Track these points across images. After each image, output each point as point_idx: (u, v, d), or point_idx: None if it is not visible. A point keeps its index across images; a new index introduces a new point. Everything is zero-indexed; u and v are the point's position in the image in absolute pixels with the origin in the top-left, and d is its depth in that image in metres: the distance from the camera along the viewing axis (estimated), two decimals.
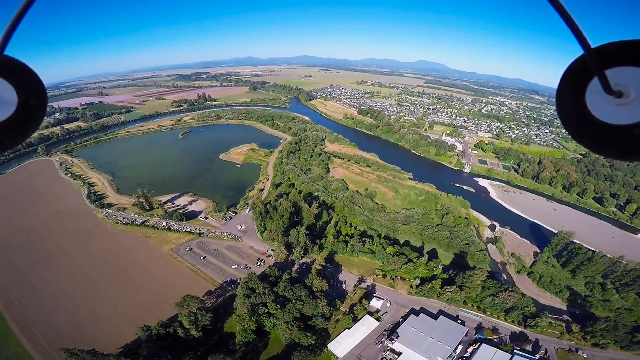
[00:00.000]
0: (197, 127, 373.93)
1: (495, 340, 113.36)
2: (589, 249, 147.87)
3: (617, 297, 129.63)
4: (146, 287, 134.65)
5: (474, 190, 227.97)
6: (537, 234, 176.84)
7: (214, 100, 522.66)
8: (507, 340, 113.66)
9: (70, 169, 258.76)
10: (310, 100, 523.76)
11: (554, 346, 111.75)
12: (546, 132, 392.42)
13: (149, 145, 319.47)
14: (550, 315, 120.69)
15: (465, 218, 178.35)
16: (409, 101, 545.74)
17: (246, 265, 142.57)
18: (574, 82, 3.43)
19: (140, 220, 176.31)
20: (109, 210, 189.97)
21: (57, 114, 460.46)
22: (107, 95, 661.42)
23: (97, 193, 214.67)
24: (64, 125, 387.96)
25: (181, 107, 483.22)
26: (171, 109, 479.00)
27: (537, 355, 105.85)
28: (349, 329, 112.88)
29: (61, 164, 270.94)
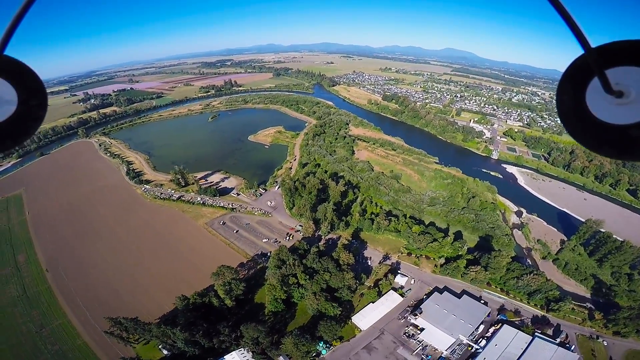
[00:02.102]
0: (225, 111, 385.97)
1: (517, 322, 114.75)
2: (618, 239, 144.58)
3: None
4: (182, 258, 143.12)
5: (501, 177, 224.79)
6: (565, 223, 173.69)
7: (240, 86, 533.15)
8: (529, 323, 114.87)
9: (109, 149, 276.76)
10: (333, 86, 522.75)
11: (574, 332, 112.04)
12: None
13: (180, 127, 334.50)
14: (573, 301, 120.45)
15: (492, 203, 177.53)
16: (436, 88, 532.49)
17: (276, 239, 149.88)
18: (574, 81, 3.48)
19: (177, 196, 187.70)
20: (147, 186, 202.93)
21: (93, 100, 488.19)
22: (137, 82, 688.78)
23: (135, 170, 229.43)
24: (99, 110, 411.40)
25: (209, 93, 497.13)
26: (199, 95, 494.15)
27: (558, 340, 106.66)
28: (373, 302, 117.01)
29: (100, 145, 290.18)
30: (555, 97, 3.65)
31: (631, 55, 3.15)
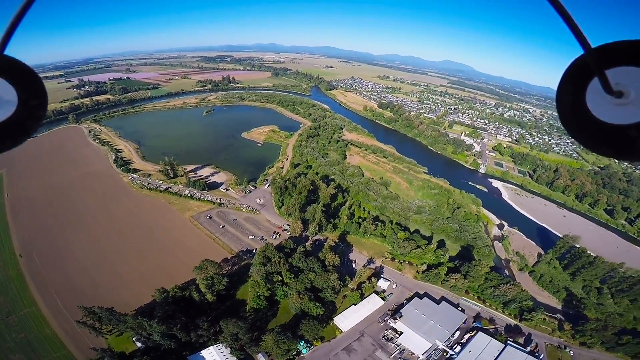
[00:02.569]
0: (220, 107, 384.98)
1: (491, 330, 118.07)
2: (592, 254, 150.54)
3: (611, 302, 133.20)
4: (166, 251, 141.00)
5: (486, 190, 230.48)
6: (543, 237, 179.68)
7: (238, 83, 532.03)
8: (502, 331, 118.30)
9: (98, 136, 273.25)
10: (331, 89, 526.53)
11: (544, 341, 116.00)
12: (567, 142, 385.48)
13: (174, 119, 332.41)
14: (545, 312, 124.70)
15: (476, 215, 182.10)
16: (431, 99, 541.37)
17: (262, 237, 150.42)
18: (574, 81, 3.49)
19: (164, 187, 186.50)
20: (134, 175, 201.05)
21: (87, 87, 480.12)
22: (135, 72, 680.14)
23: (124, 159, 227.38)
24: (93, 97, 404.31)
25: (206, 87, 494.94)
26: (196, 88, 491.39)
27: (528, 348, 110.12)
28: (355, 305, 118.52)
29: (90, 131, 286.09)
30: (555, 97, 3.71)
31: (631, 55, 3.16)
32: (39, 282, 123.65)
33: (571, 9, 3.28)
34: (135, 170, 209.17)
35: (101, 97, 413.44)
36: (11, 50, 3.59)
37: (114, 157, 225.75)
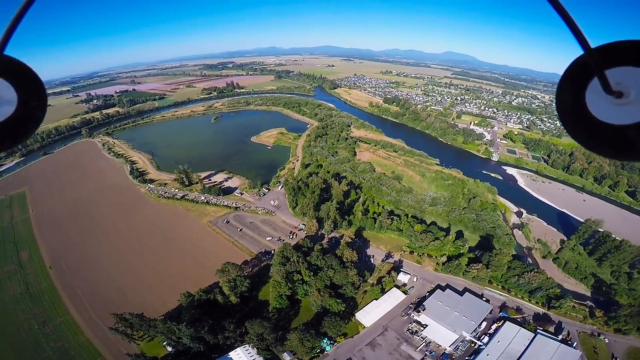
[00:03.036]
0: (227, 113, 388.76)
1: (519, 319, 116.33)
2: (617, 238, 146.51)
3: None
4: (187, 256, 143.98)
5: (501, 178, 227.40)
6: (564, 223, 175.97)
7: (242, 88, 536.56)
8: (531, 320, 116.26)
9: (112, 149, 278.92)
10: (335, 88, 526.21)
11: (576, 329, 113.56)
12: None
13: (183, 128, 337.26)
14: (574, 300, 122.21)
15: (492, 203, 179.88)
16: (436, 91, 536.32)
17: (279, 237, 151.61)
18: (574, 81, 3.49)
19: (181, 195, 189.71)
20: (151, 186, 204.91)
21: (95, 101, 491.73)
22: (140, 83, 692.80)
23: (139, 170, 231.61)
24: (102, 111, 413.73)
25: (211, 94, 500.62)
26: (201, 96, 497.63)
27: (560, 337, 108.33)
28: (376, 299, 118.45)
29: (104, 145, 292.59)
30: (554, 97, 3.74)
31: (631, 55, 3.16)
32: (69, 291, 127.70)
33: (571, 9, 3.25)
34: (151, 181, 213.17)
35: (110, 110, 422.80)
36: (12, 51, 3.58)
37: (129, 169, 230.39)
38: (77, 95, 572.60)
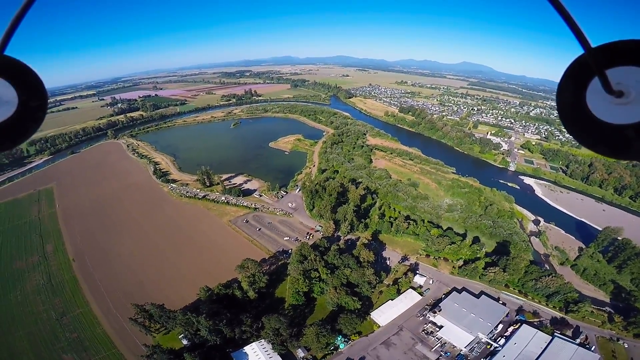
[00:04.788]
0: (246, 119, 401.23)
1: (535, 323, 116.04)
2: (638, 246, 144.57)
3: None
4: (206, 252, 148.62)
5: (518, 188, 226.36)
6: (583, 231, 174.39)
7: (260, 96, 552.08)
8: (548, 324, 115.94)
9: (136, 150, 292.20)
10: (350, 98, 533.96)
11: (594, 334, 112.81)
12: None
13: (204, 133, 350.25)
14: (592, 305, 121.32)
15: (509, 211, 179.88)
16: (452, 101, 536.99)
17: (297, 238, 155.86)
18: (575, 80, 3.49)
19: (202, 195, 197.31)
20: (173, 185, 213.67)
21: (120, 104, 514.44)
22: (162, 89, 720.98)
23: (162, 170, 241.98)
24: (127, 114, 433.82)
25: (230, 101, 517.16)
26: (221, 103, 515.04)
27: (578, 340, 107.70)
28: (392, 300, 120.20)
29: (128, 146, 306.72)
30: (555, 96, 3.76)
31: (631, 55, 3.16)
32: (91, 283, 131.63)
33: (571, 9, 3.31)
34: (173, 181, 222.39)
35: (134, 114, 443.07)
36: (15, 52, 3.66)
37: (152, 169, 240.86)
38: (103, 99, 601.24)
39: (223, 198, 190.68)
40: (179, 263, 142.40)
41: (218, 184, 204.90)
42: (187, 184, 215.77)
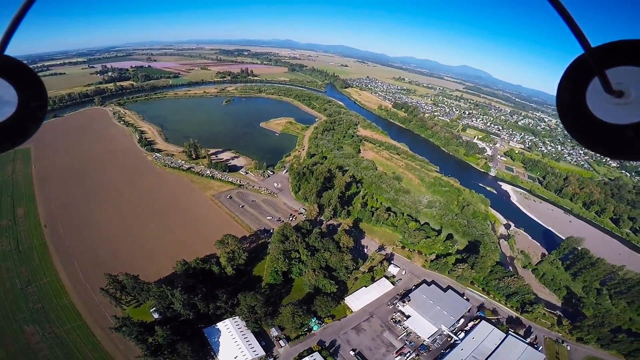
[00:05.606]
0: (239, 97, 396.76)
1: (493, 320, 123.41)
2: (594, 256, 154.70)
3: (609, 303, 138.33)
4: (187, 226, 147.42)
5: (495, 192, 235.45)
6: (548, 239, 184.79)
7: (256, 76, 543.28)
8: (504, 322, 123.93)
9: (123, 118, 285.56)
10: (346, 88, 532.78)
11: (543, 335, 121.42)
12: (580, 153, 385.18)
13: (195, 107, 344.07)
14: (545, 308, 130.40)
15: (484, 213, 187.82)
16: (445, 103, 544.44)
17: (279, 218, 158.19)
18: (575, 80, 3.49)
19: (187, 167, 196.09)
20: (158, 155, 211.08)
21: (110, 73, 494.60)
22: (155, 61, 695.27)
23: (148, 139, 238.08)
24: (117, 83, 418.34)
25: (225, 78, 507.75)
26: (215, 79, 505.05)
27: (528, 340, 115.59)
28: (366, 287, 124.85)
29: (114, 113, 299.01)
30: (555, 95, 3.71)
31: (631, 55, 3.16)
32: (62, 252, 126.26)
33: (571, 9, 3.30)
34: (159, 150, 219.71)
35: (125, 83, 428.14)
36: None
37: (138, 137, 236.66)
38: (93, 67, 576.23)
39: (208, 172, 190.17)
40: (158, 234, 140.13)
41: (204, 157, 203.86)
42: (173, 154, 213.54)
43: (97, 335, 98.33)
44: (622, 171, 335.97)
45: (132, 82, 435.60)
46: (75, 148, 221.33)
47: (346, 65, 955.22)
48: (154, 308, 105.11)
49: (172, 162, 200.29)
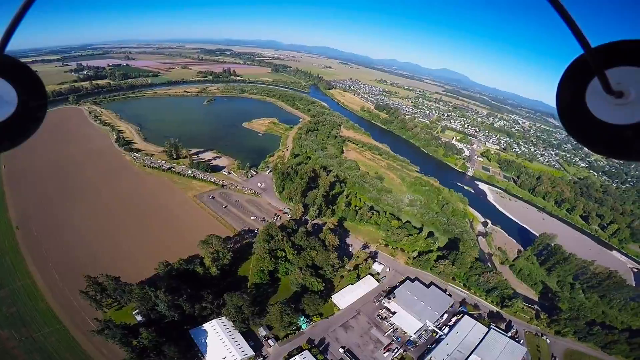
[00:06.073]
0: (221, 97, 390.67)
1: (475, 315, 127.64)
2: (566, 251, 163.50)
3: (583, 297, 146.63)
4: (168, 227, 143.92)
5: (473, 191, 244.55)
6: (523, 236, 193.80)
7: (238, 76, 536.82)
8: (485, 316, 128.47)
9: (99, 117, 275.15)
10: (329, 89, 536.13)
11: (523, 329, 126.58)
12: (551, 154, 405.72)
13: (175, 106, 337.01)
14: (523, 302, 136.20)
15: (463, 212, 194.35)
16: (425, 105, 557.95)
17: (264, 218, 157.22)
18: (574, 80, 3.48)
19: (167, 167, 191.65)
20: (136, 154, 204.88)
21: (86, 71, 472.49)
22: (134, 59, 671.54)
23: (126, 139, 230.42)
24: (93, 81, 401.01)
25: (206, 78, 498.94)
26: (197, 78, 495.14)
27: (509, 333, 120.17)
28: (352, 284, 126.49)
29: (90, 112, 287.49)
30: (555, 95, 3.69)
31: (631, 55, 3.16)
32: (36, 254, 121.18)
33: (571, 9, 3.29)
34: (137, 150, 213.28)
35: (101, 82, 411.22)
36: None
37: (115, 137, 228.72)
38: (67, 65, 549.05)
39: (190, 172, 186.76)
40: (138, 236, 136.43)
41: (185, 157, 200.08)
42: (152, 154, 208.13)
43: (78, 339, 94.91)
44: (591, 171, 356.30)
45: (109, 81, 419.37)
46: (48, 147, 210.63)
47: (330, 67, 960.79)
48: (137, 310, 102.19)
49: (151, 162, 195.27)
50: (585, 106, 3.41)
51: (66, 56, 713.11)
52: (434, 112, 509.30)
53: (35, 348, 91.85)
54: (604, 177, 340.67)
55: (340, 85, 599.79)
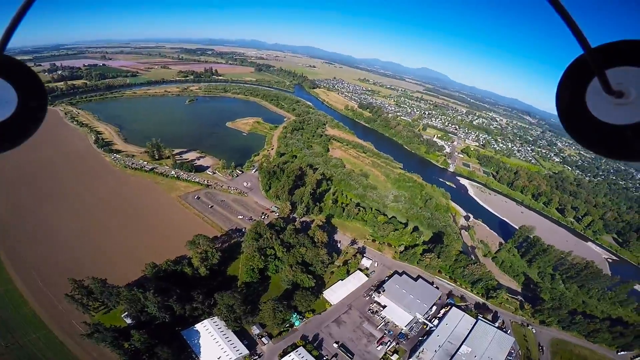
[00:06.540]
0: (203, 97, 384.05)
1: (462, 306, 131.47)
2: (545, 243, 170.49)
3: (563, 287, 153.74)
4: (153, 228, 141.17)
5: (454, 187, 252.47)
6: (503, 229, 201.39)
7: (220, 75, 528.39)
8: (472, 308, 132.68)
9: (75, 118, 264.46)
10: (314, 88, 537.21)
11: (509, 319, 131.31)
12: (528, 150, 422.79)
13: (156, 106, 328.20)
14: (507, 293, 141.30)
15: (445, 206, 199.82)
16: (407, 104, 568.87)
17: (251, 217, 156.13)
18: (574, 80, 3.46)
19: (149, 167, 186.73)
20: (117, 155, 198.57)
21: (60, 72, 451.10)
22: (111, 59, 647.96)
23: (105, 140, 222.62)
24: (68, 81, 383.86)
25: (187, 78, 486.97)
26: (177, 78, 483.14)
27: (497, 324, 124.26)
28: (342, 280, 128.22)
29: (66, 113, 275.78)
30: (555, 95, 3.68)
31: (631, 55, 3.15)
32: (16, 260, 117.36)
33: (571, 9, 3.29)
34: (117, 151, 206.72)
35: (77, 82, 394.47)
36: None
37: (94, 138, 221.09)
38: (40, 65, 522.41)
39: (173, 172, 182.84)
40: (122, 239, 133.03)
41: (168, 157, 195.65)
42: (134, 155, 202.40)
43: (66, 344, 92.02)
44: (565, 165, 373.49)
45: (85, 81, 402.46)
46: (22, 150, 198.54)
47: (314, 66, 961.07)
48: (126, 313, 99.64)
49: (133, 163, 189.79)
50: (585, 106, 3.41)
51: (38, 56, 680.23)
52: (415, 110, 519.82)
53: (23, 354, 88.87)
54: (577, 171, 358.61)
55: (325, 84, 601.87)
